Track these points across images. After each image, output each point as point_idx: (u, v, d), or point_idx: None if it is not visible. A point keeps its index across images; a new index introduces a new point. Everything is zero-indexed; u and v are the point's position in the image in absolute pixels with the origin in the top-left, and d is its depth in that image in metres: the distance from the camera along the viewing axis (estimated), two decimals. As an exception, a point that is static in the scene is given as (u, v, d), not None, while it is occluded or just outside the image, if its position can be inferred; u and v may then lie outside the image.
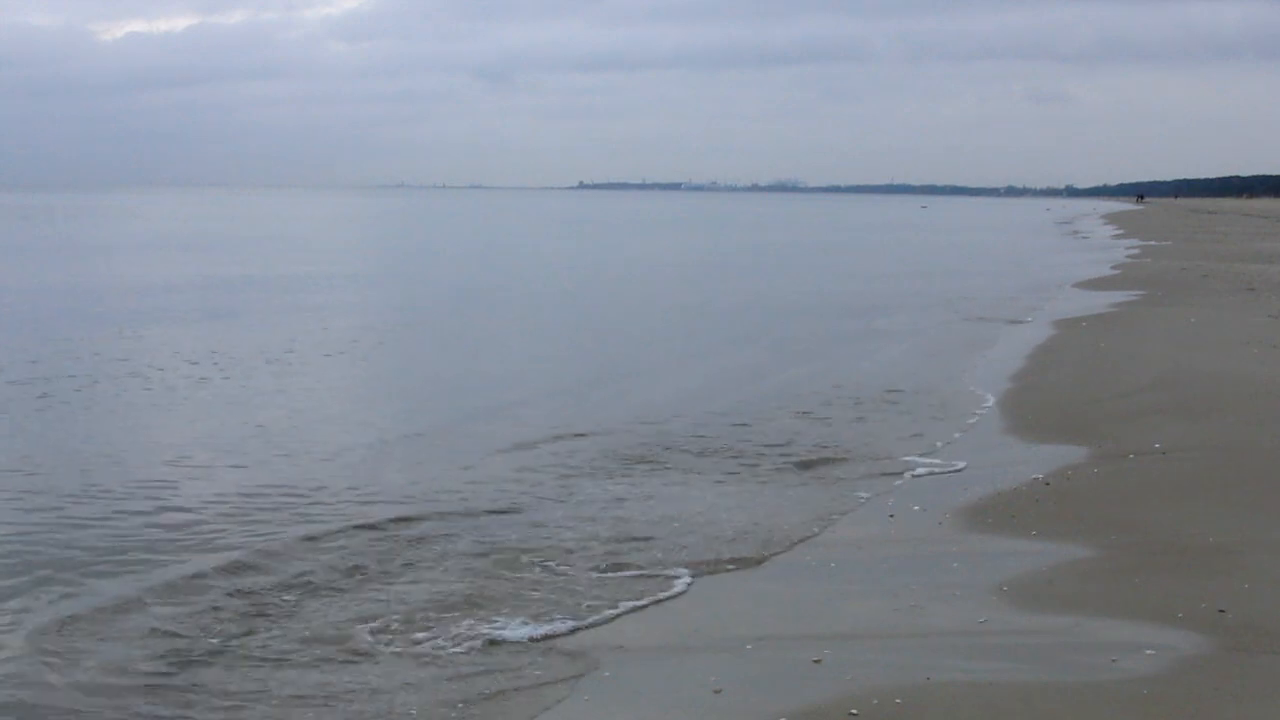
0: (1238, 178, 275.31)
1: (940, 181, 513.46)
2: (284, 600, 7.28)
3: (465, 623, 6.86)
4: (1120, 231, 64.76)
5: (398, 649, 6.52)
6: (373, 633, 6.74)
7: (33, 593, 7.39)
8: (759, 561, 8.02)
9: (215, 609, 7.11)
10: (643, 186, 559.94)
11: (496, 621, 6.88)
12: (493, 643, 6.60)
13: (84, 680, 6.15)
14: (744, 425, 12.55)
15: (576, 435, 11.99)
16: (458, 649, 6.51)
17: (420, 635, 6.70)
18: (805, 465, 10.75)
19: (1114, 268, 34.99)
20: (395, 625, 6.84)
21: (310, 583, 7.57)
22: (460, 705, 5.84)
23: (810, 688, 5.82)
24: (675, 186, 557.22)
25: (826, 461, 10.87)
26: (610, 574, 7.75)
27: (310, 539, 8.46)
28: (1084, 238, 62.21)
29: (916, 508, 9.14)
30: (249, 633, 6.76)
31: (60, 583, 7.54)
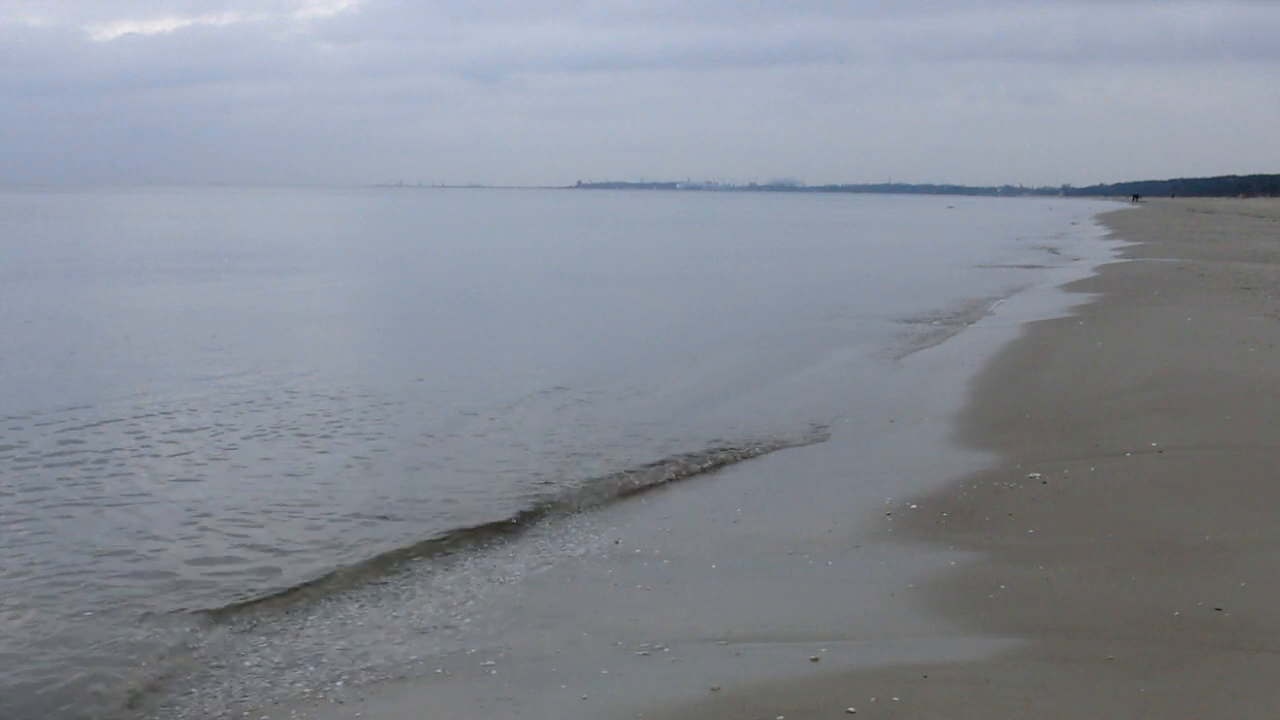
0: (1234, 177, 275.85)
1: (937, 181, 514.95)
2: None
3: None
4: (1110, 231, 64.57)
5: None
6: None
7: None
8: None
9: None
10: (640, 186, 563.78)
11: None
12: None
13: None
14: (732, 426, 12.60)
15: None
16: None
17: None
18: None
19: (1105, 269, 34.94)
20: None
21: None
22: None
23: (808, 686, 5.81)
24: (671, 186, 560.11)
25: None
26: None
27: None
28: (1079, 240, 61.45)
29: (914, 506, 9.14)
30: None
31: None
